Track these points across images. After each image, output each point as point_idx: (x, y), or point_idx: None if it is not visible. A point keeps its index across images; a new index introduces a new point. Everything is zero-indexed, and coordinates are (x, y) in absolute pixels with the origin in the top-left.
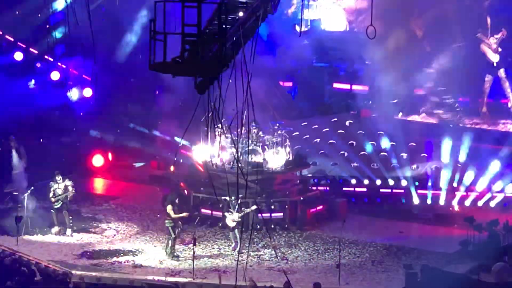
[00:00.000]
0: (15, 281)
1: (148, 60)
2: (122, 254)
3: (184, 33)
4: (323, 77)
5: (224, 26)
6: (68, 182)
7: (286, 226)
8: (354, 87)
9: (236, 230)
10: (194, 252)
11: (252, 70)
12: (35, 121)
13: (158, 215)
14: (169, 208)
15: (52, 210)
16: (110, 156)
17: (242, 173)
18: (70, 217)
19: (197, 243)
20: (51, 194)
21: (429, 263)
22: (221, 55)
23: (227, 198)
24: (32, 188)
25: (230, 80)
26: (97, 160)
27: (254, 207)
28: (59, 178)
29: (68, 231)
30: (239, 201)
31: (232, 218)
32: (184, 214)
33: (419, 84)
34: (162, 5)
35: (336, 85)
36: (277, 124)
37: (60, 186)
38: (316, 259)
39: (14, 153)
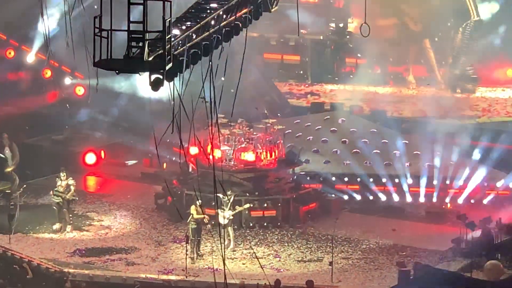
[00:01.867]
0: (7, 279)
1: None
2: (114, 252)
3: (130, 30)
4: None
5: (168, 23)
6: (70, 181)
7: (278, 223)
8: (286, 57)
9: (229, 228)
10: (186, 250)
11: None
12: (28, 118)
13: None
14: (192, 209)
15: (54, 207)
16: (102, 154)
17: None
18: (70, 215)
19: (189, 241)
20: (55, 189)
21: (421, 261)
22: (165, 53)
23: (220, 195)
24: (25, 186)
25: (223, 78)
26: (90, 158)
27: (247, 205)
28: (63, 175)
29: (68, 227)
30: (231, 199)
31: (224, 216)
32: (206, 217)
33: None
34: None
35: (266, 55)
36: (269, 122)
37: (63, 184)
38: (308, 256)
39: (6, 150)
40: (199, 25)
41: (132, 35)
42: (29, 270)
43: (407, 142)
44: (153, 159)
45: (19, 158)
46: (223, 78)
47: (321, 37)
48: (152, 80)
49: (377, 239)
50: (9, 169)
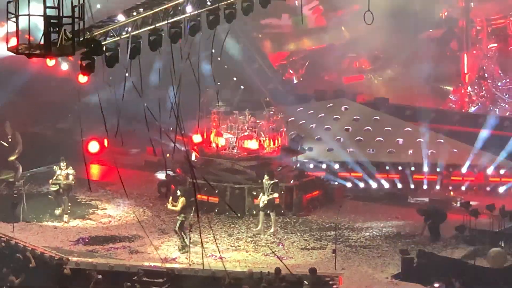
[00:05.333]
0: (11, 268)
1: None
2: (118, 240)
3: (47, 16)
4: None
5: (75, 8)
6: (70, 171)
7: (282, 211)
8: None
9: (260, 213)
10: (190, 239)
11: None
12: (31, 107)
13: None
14: (182, 201)
15: (49, 196)
16: (105, 142)
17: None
18: (69, 203)
19: (193, 230)
20: (54, 178)
21: (425, 248)
22: (73, 37)
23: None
24: (28, 174)
25: (219, 58)
26: (93, 146)
27: (276, 195)
28: (63, 164)
29: (65, 217)
30: (270, 184)
31: (262, 200)
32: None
33: None
34: None
35: None
36: (272, 110)
37: (63, 173)
38: (312, 244)
39: (9, 139)
40: (152, 11)
41: (51, 20)
42: (32, 259)
43: (410, 129)
44: (157, 148)
45: (22, 146)
46: (219, 58)
47: None
48: (84, 64)
49: (380, 227)
50: (12, 158)
